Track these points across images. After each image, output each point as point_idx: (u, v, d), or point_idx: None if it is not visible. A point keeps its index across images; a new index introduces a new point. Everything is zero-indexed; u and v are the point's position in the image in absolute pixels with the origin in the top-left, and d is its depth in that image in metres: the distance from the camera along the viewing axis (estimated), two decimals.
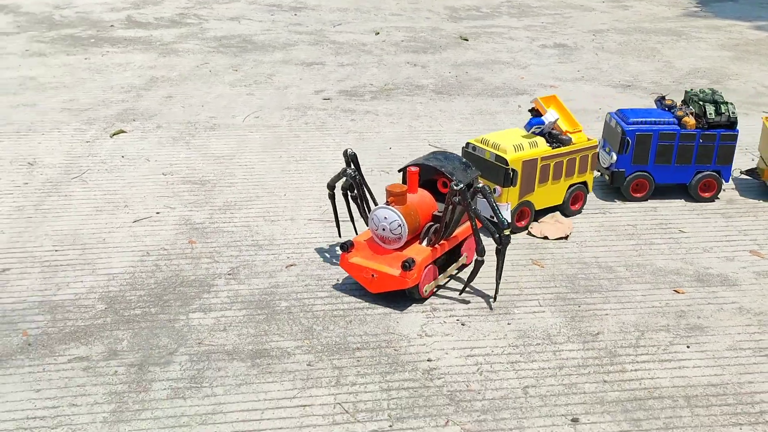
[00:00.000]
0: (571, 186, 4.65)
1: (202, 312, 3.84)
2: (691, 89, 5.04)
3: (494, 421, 3.13)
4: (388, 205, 3.71)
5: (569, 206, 4.73)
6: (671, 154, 4.88)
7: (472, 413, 3.17)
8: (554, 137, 4.42)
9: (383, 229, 3.69)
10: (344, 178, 3.98)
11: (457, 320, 3.78)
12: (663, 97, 5.14)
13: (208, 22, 9.99)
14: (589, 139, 4.63)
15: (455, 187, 3.55)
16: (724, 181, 5.04)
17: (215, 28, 9.72)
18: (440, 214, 3.78)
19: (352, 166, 3.97)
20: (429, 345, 3.59)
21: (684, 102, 5.00)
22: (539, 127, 4.38)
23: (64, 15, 9.89)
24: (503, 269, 3.77)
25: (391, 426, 3.06)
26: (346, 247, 3.77)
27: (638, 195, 4.97)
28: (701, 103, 4.87)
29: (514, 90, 7.43)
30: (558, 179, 4.56)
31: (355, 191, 4.02)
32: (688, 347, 3.67)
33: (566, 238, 4.59)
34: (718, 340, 3.73)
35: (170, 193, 5.15)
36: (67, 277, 4.14)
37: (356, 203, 4.10)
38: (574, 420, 3.16)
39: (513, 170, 4.29)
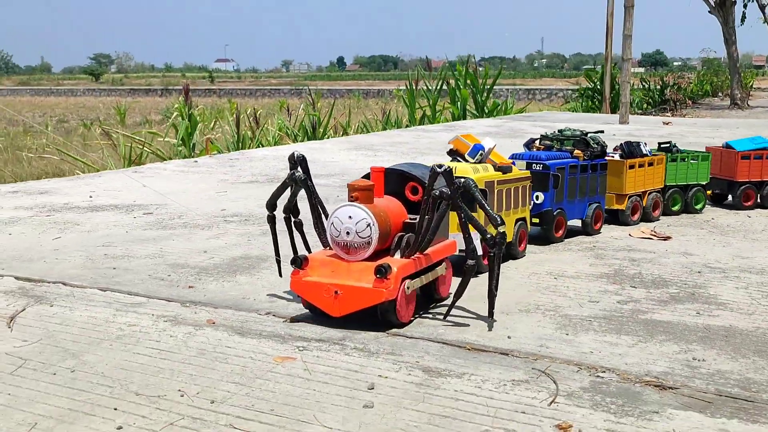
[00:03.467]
0: (517, 221, 4.32)
1: None
2: (546, 133, 5.17)
3: None
4: (353, 201, 3.08)
5: (517, 246, 4.33)
6: (575, 188, 4.83)
7: None
8: (500, 168, 4.17)
9: (347, 233, 3.01)
10: (289, 191, 3.39)
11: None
12: (533, 140, 5.14)
13: None
14: (521, 170, 4.44)
15: (449, 173, 3.00)
16: (603, 211, 5.16)
17: None
18: (413, 221, 3.21)
19: (300, 170, 3.29)
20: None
21: (547, 144, 5.06)
22: (482, 153, 4.16)
23: None
24: (499, 279, 3.21)
25: None
26: (299, 262, 3.07)
27: (559, 235, 4.81)
28: (577, 138, 5.00)
29: None
30: (509, 209, 4.19)
31: (299, 216, 3.52)
32: None
33: None
34: None
35: None
36: None
37: (299, 230, 3.53)
38: None
39: (485, 190, 3.92)
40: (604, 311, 3.48)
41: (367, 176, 3.35)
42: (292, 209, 3.44)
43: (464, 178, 3.01)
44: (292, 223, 3.48)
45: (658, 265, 4.33)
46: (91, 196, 6.63)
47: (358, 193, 3.06)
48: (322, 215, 3.32)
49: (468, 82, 18.53)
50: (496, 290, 3.13)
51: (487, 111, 18.86)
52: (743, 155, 5.93)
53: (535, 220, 4.66)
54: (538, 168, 4.59)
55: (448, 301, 3.28)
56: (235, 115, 13.85)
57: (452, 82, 18.79)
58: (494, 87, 19.65)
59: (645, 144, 5.47)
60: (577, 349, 3.00)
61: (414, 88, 18.17)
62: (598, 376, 2.74)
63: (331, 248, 3.16)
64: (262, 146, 13.05)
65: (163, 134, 14.87)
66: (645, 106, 26.83)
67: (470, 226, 3.00)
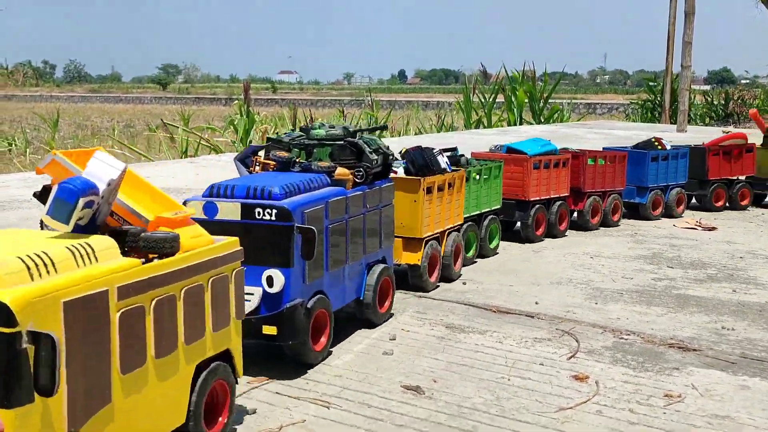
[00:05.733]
0: (198, 372, 1.95)
1: None
2: (278, 135, 3.05)
3: None
4: None
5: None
6: (344, 246, 2.58)
7: None
8: (132, 235, 1.92)
9: None
10: None
11: None
12: (254, 150, 2.88)
13: None
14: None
15: None
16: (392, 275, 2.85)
17: None
18: None
19: None
20: None
21: (279, 158, 2.73)
22: (96, 199, 1.83)
23: None
24: None
25: None
26: None
27: (319, 348, 2.45)
28: (338, 140, 2.81)
29: None
30: (166, 353, 1.85)
31: None
32: None
33: None
34: None
35: None
36: None
37: None
38: None
39: (50, 336, 1.47)
40: (636, 286, 3.46)
41: None
42: None
43: None
44: None
45: (699, 250, 4.27)
46: None
47: None
48: None
49: (525, 91, 18.46)
50: None
51: (543, 119, 18.76)
52: (535, 162, 4.09)
53: (270, 330, 2.33)
54: (266, 218, 2.35)
55: None
56: (292, 113, 14.12)
57: (508, 90, 18.76)
58: (554, 101, 19.53)
59: (441, 153, 3.34)
60: (604, 315, 3.00)
61: (471, 94, 18.20)
62: (621, 337, 2.73)
63: None
64: None
65: (222, 131, 15.19)
66: (707, 120, 26.32)
67: None
